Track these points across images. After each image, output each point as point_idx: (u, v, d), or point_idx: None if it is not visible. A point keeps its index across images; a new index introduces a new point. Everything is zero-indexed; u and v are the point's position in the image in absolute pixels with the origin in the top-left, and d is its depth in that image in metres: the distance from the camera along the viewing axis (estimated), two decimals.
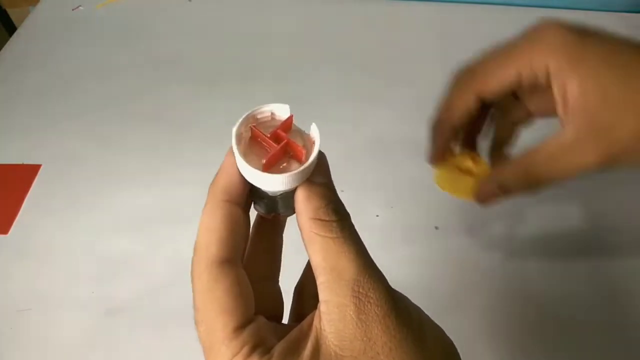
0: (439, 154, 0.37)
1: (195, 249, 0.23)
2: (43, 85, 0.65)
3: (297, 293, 0.27)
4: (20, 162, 0.57)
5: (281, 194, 0.24)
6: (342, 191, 0.25)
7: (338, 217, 0.22)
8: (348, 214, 0.23)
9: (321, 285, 0.22)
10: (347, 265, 0.21)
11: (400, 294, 0.23)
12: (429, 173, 0.38)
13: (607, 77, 0.29)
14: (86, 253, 0.49)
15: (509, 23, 0.70)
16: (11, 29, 1.23)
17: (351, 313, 0.21)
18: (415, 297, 0.23)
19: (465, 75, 0.34)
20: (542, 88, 0.31)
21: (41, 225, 0.51)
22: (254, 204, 0.26)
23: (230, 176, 0.23)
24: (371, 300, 0.21)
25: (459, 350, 0.23)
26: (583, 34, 0.31)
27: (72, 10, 0.76)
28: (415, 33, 0.71)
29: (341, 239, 0.22)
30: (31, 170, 0.56)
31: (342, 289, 0.21)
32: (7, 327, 0.44)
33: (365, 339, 0.20)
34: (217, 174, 0.24)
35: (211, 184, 0.24)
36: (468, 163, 0.37)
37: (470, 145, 0.39)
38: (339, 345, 0.21)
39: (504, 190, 0.34)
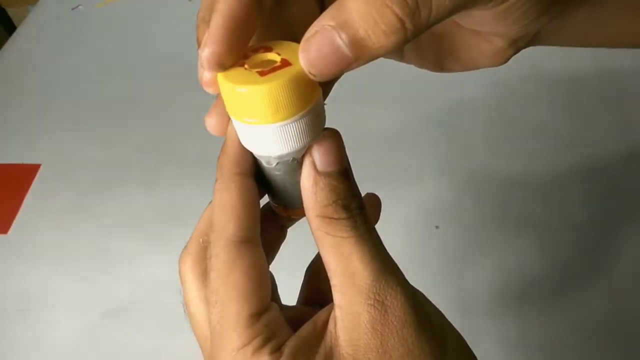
0: (221, 49, 0.19)
1: (212, 229, 0.22)
2: (43, 85, 0.65)
3: (310, 273, 0.25)
4: (20, 162, 0.57)
5: (283, 170, 0.21)
6: None
7: (349, 214, 0.20)
8: (362, 207, 0.20)
9: (334, 288, 0.20)
10: (361, 269, 0.19)
11: (422, 296, 0.21)
12: (429, 171, 0.38)
13: None
14: (86, 253, 0.49)
15: None
16: (11, 28, 1.23)
17: (365, 322, 0.19)
18: None
19: None
20: None
21: (41, 225, 0.51)
22: (268, 196, 0.23)
23: (237, 145, 0.22)
24: (388, 310, 0.19)
25: None
26: None
27: (72, 9, 0.76)
28: None
29: (354, 238, 0.20)
30: (31, 170, 0.55)
31: (356, 296, 0.19)
32: (7, 327, 0.44)
33: (380, 350, 0.19)
34: (222, 146, 0.22)
35: (219, 159, 0.22)
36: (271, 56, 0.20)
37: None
38: (352, 355, 0.19)
39: (357, 48, 0.17)
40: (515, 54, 0.25)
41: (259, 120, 0.19)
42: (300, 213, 0.23)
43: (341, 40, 0.17)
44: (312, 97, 0.19)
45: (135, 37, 0.72)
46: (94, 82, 0.65)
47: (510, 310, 0.44)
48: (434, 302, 0.22)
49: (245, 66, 0.19)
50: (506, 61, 0.25)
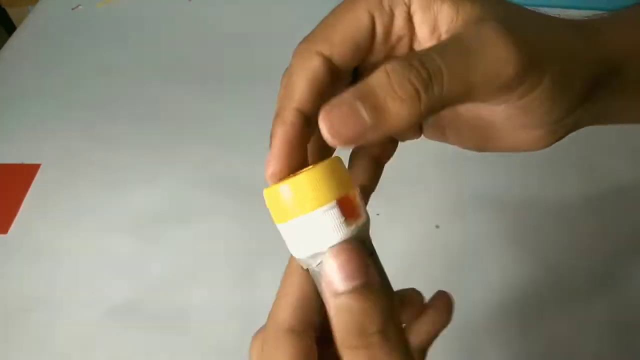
0: (282, 162, 0.22)
1: (269, 314, 0.22)
2: (43, 85, 0.65)
3: None
4: (20, 162, 0.57)
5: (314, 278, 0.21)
6: None
7: (366, 342, 0.19)
8: (386, 326, 0.19)
9: None
10: None
11: None
12: (430, 170, 0.38)
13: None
14: (86, 253, 0.49)
15: None
16: (11, 28, 1.23)
17: None
18: None
19: (305, 40, 0.24)
20: (403, 36, 0.23)
21: (41, 225, 0.51)
22: None
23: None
24: None
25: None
26: None
27: (72, 9, 0.76)
28: None
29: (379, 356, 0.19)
30: (31, 170, 0.55)
31: None
32: (7, 327, 0.44)
33: None
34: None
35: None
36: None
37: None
38: None
39: (376, 116, 0.19)
40: (558, 140, 0.25)
41: (277, 219, 0.21)
42: None
43: (361, 107, 0.18)
44: (322, 199, 0.20)
45: (135, 37, 0.72)
46: (94, 82, 0.65)
47: (510, 309, 0.44)
48: None
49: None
50: (549, 146, 0.25)
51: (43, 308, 0.45)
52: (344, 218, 0.20)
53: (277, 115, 0.23)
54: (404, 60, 0.19)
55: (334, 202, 0.19)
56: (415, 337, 0.25)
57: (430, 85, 0.18)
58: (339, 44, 0.23)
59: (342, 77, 0.24)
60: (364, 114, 0.18)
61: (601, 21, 0.25)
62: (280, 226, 0.21)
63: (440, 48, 0.19)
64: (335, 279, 0.19)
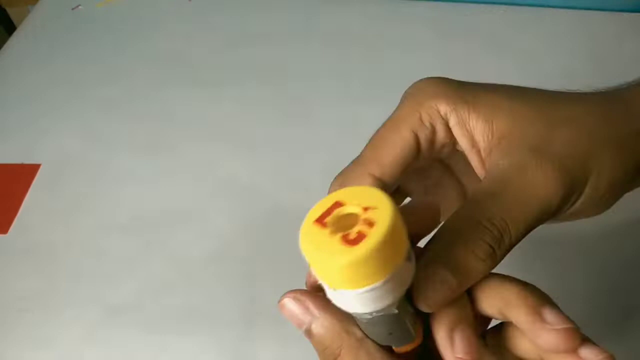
0: None
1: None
2: (43, 85, 0.65)
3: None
4: (20, 162, 0.57)
5: (368, 320, 0.20)
6: None
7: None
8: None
9: None
10: None
11: None
12: None
13: (504, 99, 0.24)
14: (86, 253, 0.49)
15: (510, 23, 0.70)
16: (11, 28, 1.23)
17: None
18: None
19: (355, 163, 0.26)
20: (446, 144, 0.26)
21: (41, 225, 0.51)
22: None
23: None
24: None
25: None
26: (459, 81, 0.26)
27: (72, 9, 0.76)
28: (416, 33, 0.71)
29: None
30: (31, 170, 0.55)
31: None
32: (7, 327, 0.44)
33: None
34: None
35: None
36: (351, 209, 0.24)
37: None
38: None
39: (458, 272, 0.21)
40: (616, 201, 0.26)
41: (341, 286, 0.18)
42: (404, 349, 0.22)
43: (450, 275, 0.21)
44: (395, 259, 0.18)
45: (135, 37, 0.72)
46: (94, 82, 0.65)
47: None
48: None
49: (327, 225, 0.18)
50: (614, 203, 0.26)
51: (42, 308, 0.45)
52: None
53: None
54: (473, 223, 0.21)
55: (389, 275, 0.18)
56: None
57: (502, 240, 0.22)
58: (389, 165, 0.25)
59: (389, 189, 0.26)
60: (451, 279, 0.21)
61: (628, 92, 0.26)
62: (331, 293, 0.19)
63: (500, 203, 0.22)
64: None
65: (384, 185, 0.25)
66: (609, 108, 0.25)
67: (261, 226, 0.49)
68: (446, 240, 0.22)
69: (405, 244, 0.18)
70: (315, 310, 0.22)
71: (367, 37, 0.70)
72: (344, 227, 0.17)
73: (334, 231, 0.17)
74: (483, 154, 0.24)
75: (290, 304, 0.22)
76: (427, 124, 0.25)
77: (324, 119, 0.58)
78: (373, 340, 0.21)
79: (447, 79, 0.26)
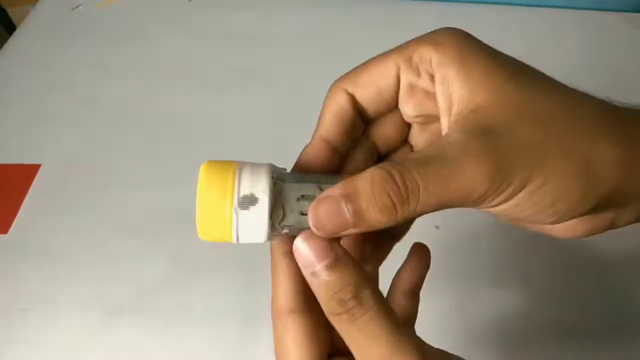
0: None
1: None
2: (43, 85, 0.65)
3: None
4: (20, 162, 0.57)
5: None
6: None
7: (345, 307, 0.22)
8: (358, 293, 0.22)
9: None
10: (373, 354, 0.22)
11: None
12: None
13: (500, 77, 0.23)
14: (86, 253, 0.49)
15: (509, 23, 0.70)
16: (11, 28, 1.23)
17: None
18: None
19: (337, 80, 0.27)
20: (423, 93, 0.25)
21: (41, 225, 0.51)
22: None
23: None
24: None
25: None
26: (479, 43, 0.25)
27: (72, 9, 0.76)
28: (416, 33, 0.71)
29: (355, 326, 0.22)
30: (31, 170, 0.55)
31: None
32: (7, 327, 0.44)
33: None
34: None
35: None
36: None
37: None
38: None
39: (357, 217, 0.21)
40: (599, 232, 0.24)
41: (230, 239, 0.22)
42: None
43: (346, 208, 0.21)
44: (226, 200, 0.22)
45: (135, 37, 0.72)
46: (94, 82, 0.66)
47: (511, 309, 0.44)
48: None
49: None
50: (589, 236, 0.25)
51: (43, 308, 0.45)
52: (248, 209, 0.22)
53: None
54: (388, 170, 0.21)
55: (233, 210, 0.22)
56: (405, 282, 0.29)
57: (407, 201, 0.21)
58: (363, 84, 0.26)
59: (369, 117, 0.27)
60: (347, 214, 0.21)
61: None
62: (235, 242, 0.23)
63: (422, 163, 0.21)
64: (308, 261, 0.22)
65: (356, 104, 0.26)
66: (609, 127, 0.22)
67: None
68: (361, 176, 0.22)
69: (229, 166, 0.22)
70: (331, 253, 0.22)
71: (367, 37, 0.70)
72: None
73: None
74: (451, 119, 0.24)
75: (303, 246, 0.22)
76: (414, 65, 0.25)
77: None
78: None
79: (468, 36, 0.24)
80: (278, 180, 0.23)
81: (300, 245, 0.22)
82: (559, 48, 0.65)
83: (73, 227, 0.51)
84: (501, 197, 0.22)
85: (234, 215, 0.22)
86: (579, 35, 0.67)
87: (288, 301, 0.24)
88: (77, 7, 0.77)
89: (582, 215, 0.23)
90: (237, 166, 0.22)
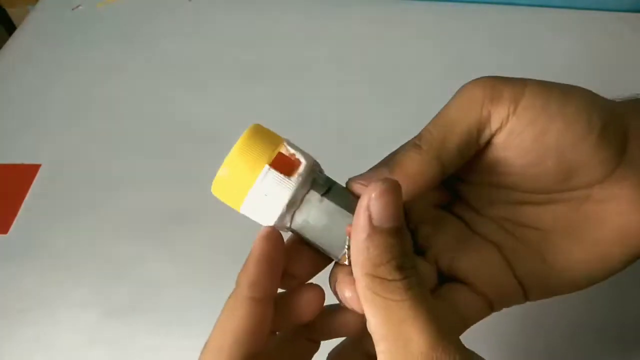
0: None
1: (205, 348, 0.22)
2: (43, 85, 0.65)
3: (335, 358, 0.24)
4: (20, 162, 0.57)
5: (297, 228, 0.23)
6: None
7: (404, 275, 0.19)
8: (415, 267, 0.19)
9: (381, 355, 0.18)
10: (415, 335, 0.18)
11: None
12: None
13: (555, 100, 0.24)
14: (86, 253, 0.49)
15: (509, 23, 0.70)
16: (11, 28, 1.23)
17: None
18: None
19: (418, 142, 0.24)
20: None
21: (41, 225, 0.51)
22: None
23: (259, 265, 0.22)
24: None
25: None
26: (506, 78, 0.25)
27: (72, 9, 0.76)
28: (417, 34, 0.71)
29: (408, 301, 0.18)
30: (31, 170, 0.55)
31: None
32: (7, 327, 0.44)
33: None
34: (245, 262, 0.23)
35: (239, 273, 0.23)
36: None
37: None
38: None
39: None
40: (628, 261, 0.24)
41: (236, 206, 0.23)
42: (342, 263, 0.23)
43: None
44: (256, 168, 0.22)
45: (135, 37, 0.72)
46: (94, 82, 0.65)
47: (511, 309, 0.44)
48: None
49: None
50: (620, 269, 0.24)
51: (43, 308, 0.45)
52: (282, 175, 0.22)
53: None
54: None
55: (266, 167, 0.22)
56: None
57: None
58: (452, 150, 0.24)
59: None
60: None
61: None
62: (242, 210, 0.23)
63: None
64: (379, 218, 0.19)
65: (440, 170, 0.23)
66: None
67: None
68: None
69: (273, 138, 0.24)
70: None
71: (367, 38, 0.70)
72: None
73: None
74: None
75: (381, 199, 0.20)
76: (485, 114, 0.23)
77: (324, 119, 0.58)
78: None
79: (505, 81, 0.25)
80: (316, 185, 0.22)
81: (377, 198, 0.19)
82: (559, 48, 0.65)
83: (73, 227, 0.51)
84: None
85: (258, 184, 0.22)
86: (579, 35, 0.67)
87: (252, 286, 0.22)
88: (77, 7, 0.77)
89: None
90: (284, 142, 0.23)
